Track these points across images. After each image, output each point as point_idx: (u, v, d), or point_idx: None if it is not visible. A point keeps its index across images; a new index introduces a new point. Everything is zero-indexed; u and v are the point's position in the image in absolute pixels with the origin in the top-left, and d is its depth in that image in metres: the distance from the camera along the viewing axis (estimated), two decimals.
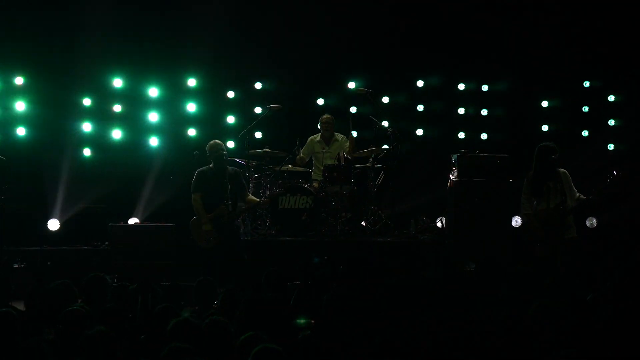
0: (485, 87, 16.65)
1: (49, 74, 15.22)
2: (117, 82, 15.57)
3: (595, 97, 16.65)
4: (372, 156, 14.21)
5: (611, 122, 16.62)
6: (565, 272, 11.07)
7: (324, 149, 14.48)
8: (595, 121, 16.65)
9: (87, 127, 15.46)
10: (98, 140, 15.57)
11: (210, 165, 12.33)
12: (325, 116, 14.73)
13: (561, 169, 12.04)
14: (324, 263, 10.31)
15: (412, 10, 15.77)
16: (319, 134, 14.71)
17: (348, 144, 14.55)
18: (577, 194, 12.01)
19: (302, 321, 6.65)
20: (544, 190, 11.93)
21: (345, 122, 14.98)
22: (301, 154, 14.56)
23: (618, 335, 6.48)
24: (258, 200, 12.70)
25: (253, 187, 13.96)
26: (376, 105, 15.06)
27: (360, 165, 14.37)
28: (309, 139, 14.73)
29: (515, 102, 16.55)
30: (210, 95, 16.01)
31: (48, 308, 7.84)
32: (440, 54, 16.09)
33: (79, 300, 8.23)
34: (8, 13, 15.06)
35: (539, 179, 11.96)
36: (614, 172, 11.82)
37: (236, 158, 13.98)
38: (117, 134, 15.57)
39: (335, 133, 14.73)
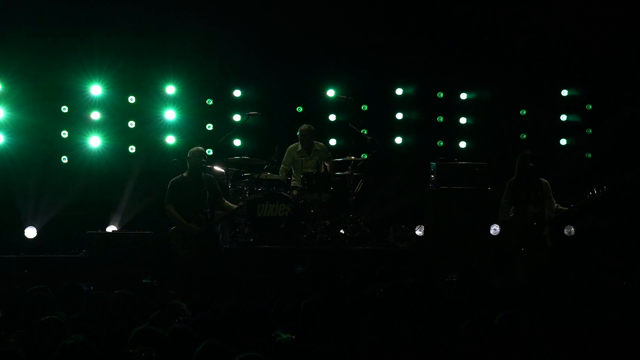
0: (464, 96, 16.68)
1: (27, 81, 15.11)
2: (96, 90, 15.48)
3: (573, 105, 16.72)
4: (352, 164, 14.22)
5: (589, 131, 16.67)
6: (539, 279, 11.15)
7: (303, 157, 14.48)
8: (573, 130, 16.71)
9: (65, 134, 15.37)
10: (76, 148, 15.47)
11: (184, 174, 12.25)
12: (303, 127, 14.72)
13: (543, 179, 12.13)
14: (306, 272, 10.33)
15: (391, 19, 15.79)
16: (299, 143, 14.69)
17: (329, 155, 14.59)
18: (556, 205, 12.09)
19: (284, 336, 6.63)
20: (523, 198, 12.02)
21: (324, 130, 15.01)
22: (283, 165, 14.57)
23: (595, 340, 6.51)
24: (235, 206, 12.61)
25: (232, 194, 13.92)
26: (355, 113, 15.07)
27: (339, 173, 14.37)
28: (289, 148, 14.71)
29: (494, 110, 16.58)
30: (189, 103, 15.95)
31: (24, 315, 7.77)
32: (419, 62, 16.11)
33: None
34: None
35: (519, 186, 12.05)
36: (600, 189, 11.88)
37: (215, 166, 13.95)
38: (95, 141, 15.48)
39: (315, 142, 14.72)
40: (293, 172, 14.70)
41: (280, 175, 14.56)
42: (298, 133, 14.70)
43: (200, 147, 12.37)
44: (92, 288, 11.46)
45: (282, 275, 9.86)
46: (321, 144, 14.80)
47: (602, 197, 11.95)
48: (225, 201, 12.57)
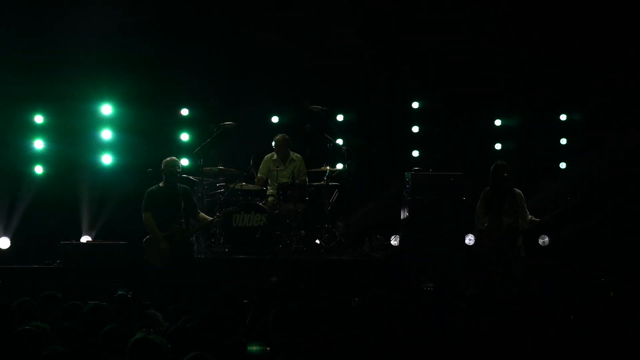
0: (439, 106, 16.71)
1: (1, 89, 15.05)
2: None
3: (547, 116, 16.79)
4: (327, 174, 14.24)
5: (563, 141, 16.75)
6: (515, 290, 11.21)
7: (279, 167, 14.48)
8: (547, 140, 16.77)
9: (39, 144, 15.28)
10: (50, 158, 15.38)
11: (160, 184, 12.20)
12: (278, 136, 14.72)
13: (517, 190, 12.17)
14: (282, 282, 10.33)
15: (365, 29, 15.80)
16: (275, 153, 14.70)
17: (303, 166, 14.60)
18: (530, 216, 12.14)
19: (256, 348, 6.62)
20: (497, 208, 12.05)
21: (300, 140, 15.03)
22: (259, 174, 14.56)
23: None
24: (210, 218, 12.58)
25: (207, 204, 13.89)
26: (331, 123, 15.08)
27: (314, 183, 14.37)
28: (265, 158, 14.71)
29: (469, 120, 16.62)
30: (164, 113, 15.90)
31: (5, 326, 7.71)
32: (394, 72, 16.13)
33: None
34: None
35: (493, 196, 12.09)
36: (573, 198, 11.95)
37: (190, 175, 13.91)
38: (69, 151, 15.38)
39: (292, 152, 14.72)
40: (269, 181, 14.69)
41: (257, 184, 14.55)
42: (273, 143, 14.70)
43: (174, 157, 12.33)
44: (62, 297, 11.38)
45: (257, 286, 9.87)
46: (298, 155, 14.80)
47: (576, 207, 12.02)
48: (200, 212, 12.54)
